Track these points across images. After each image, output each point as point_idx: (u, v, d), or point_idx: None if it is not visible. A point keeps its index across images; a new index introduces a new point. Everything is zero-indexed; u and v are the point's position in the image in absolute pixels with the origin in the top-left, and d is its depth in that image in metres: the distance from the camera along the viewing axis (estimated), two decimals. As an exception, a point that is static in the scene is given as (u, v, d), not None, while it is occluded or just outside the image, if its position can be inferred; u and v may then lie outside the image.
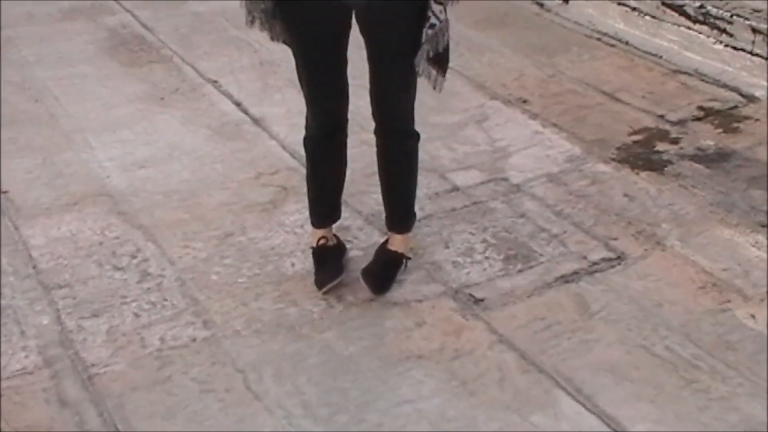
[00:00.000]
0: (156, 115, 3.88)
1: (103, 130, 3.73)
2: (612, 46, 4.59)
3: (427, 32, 2.33)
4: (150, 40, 4.69)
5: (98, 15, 4.98)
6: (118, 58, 4.47)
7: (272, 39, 2.48)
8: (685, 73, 4.26)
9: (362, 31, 2.42)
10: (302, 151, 2.73)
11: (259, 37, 4.61)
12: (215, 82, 4.19)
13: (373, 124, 2.58)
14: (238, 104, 3.97)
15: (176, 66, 4.38)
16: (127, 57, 4.48)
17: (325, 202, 2.75)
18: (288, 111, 3.75)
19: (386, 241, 2.75)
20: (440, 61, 2.39)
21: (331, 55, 2.45)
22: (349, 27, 2.43)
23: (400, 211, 2.73)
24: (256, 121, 3.81)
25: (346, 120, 2.62)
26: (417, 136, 2.62)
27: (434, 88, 2.41)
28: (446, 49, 2.39)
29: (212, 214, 3.12)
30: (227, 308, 2.62)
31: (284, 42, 2.47)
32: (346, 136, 2.66)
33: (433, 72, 2.39)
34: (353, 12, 2.38)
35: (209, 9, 5.03)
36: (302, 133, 2.65)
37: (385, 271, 2.70)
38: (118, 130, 3.74)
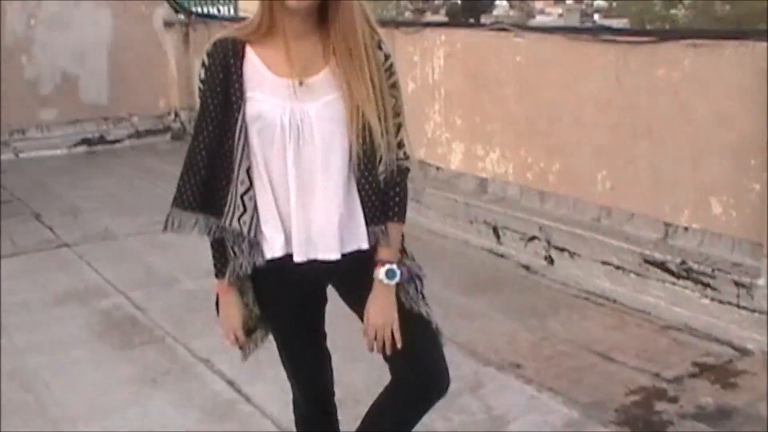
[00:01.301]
0: (148, 399, 3.83)
1: (93, 418, 3.66)
2: (600, 305, 4.65)
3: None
4: (142, 320, 4.73)
5: (92, 298, 5.05)
6: (110, 341, 4.48)
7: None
8: (676, 328, 4.29)
9: (346, 300, 2.40)
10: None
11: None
12: (207, 360, 4.18)
13: (368, 398, 2.51)
14: (231, 383, 3.93)
15: (168, 346, 4.38)
16: (119, 339, 4.50)
17: None
18: (282, 388, 3.66)
19: None
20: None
21: (309, 329, 2.45)
22: (326, 300, 2.43)
23: None
24: (249, 400, 3.76)
25: (333, 392, 2.58)
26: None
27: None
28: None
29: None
30: None
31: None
32: (336, 408, 2.61)
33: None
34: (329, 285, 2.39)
35: (201, 287, 5.10)
36: (297, 411, 2.61)
37: None
38: (110, 416, 3.68)
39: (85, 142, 9.38)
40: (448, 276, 5.10)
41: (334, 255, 2.23)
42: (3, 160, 8.79)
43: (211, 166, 2.21)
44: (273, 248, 2.24)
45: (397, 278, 2.26)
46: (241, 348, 2.45)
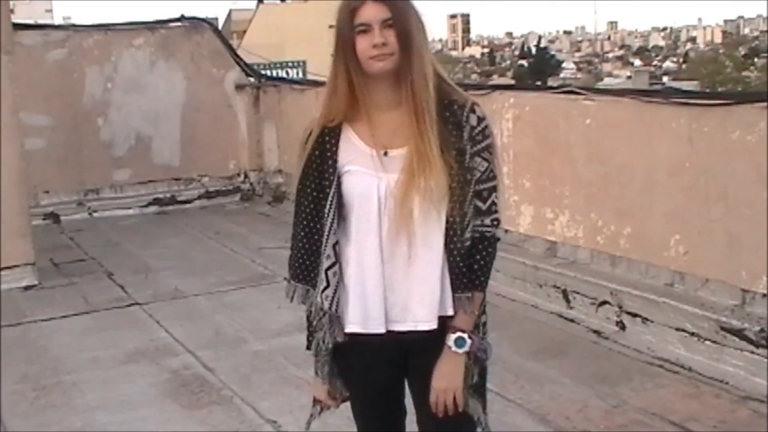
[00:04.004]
0: (214, 460, 3.82)
1: (160, 478, 3.67)
2: (675, 372, 4.52)
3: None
4: (211, 380, 4.74)
5: (161, 357, 5.09)
6: (179, 400, 4.50)
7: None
8: (756, 399, 4.13)
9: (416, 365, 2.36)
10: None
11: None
12: (274, 422, 4.16)
13: None
14: (297, 445, 3.91)
15: (236, 407, 4.38)
16: (187, 399, 4.51)
17: None
18: (348, 452, 3.66)
19: None
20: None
21: (389, 405, 2.43)
22: (406, 373, 2.39)
23: None
24: (315, 464, 3.72)
25: None
26: None
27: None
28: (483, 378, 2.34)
29: None
30: None
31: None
32: None
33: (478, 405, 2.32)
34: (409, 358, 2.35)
35: (269, 348, 5.13)
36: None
37: None
38: (176, 476, 3.68)
39: (157, 202, 9.57)
40: (518, 340, 5.02)
41: (432, 325, 2.24)
42: (78, 219, 9.02)
43: (309, 239, 2.29)
44: (354, 323, 2.27)
45: (466, 348, 2.24)
46: (321, 410, 2.48)
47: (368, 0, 2.14)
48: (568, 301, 5.49)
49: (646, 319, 4.92)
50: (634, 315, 5.00)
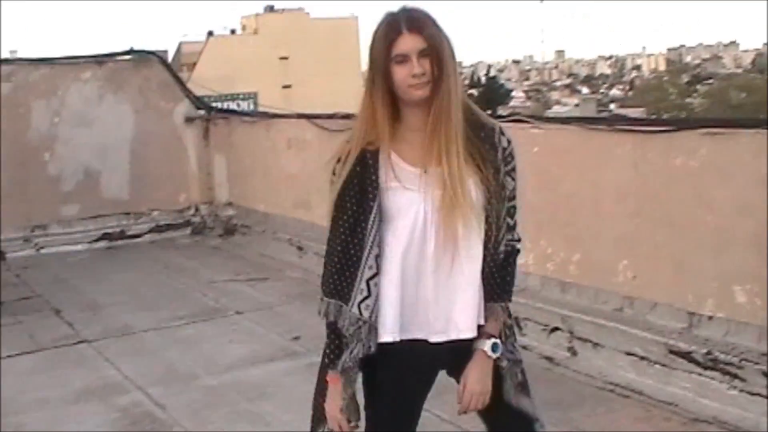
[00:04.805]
0: (165, 499, 3.75)
1: None
2: (626, 397, 4.56)
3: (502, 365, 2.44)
4: (162, 417, 4.67)
5: (110, 395, 5.00)
6: (128, 440, 4.42)
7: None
8: (704, 421, 4.18)
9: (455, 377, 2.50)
10: None
11: (271, 408, 4.62)
12: (226, 458, 4.11)
13: None
14: (249, 481, 3.86)
15: (187, 443, 4.32)
16: (137, 437, 4.44)
17: None
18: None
19: None
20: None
21: (411, 412, 2.50)
22: (432, 383, 2.50)
23: None
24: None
25: None
26: None
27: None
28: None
29: None
30: None
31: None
32: None
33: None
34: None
35: (221, 383, 5.08)
36: None
37: None
38: None
39: (106, 237, 9.44)
40: (470, 368, 5.02)
41: (474, 333, 2.40)
42: (25, 256, 8.86)
43: (345, 254, 2.38)
44: (392, 332, 2.35)
45: (499, 352, 2.41)
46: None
47: (405, 32, 2.28)
48: (519, 328, 5.51)
49: (597, 344, 4.97)
50: (585, 340, 5.05)
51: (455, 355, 2.41)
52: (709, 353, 4.37)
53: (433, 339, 2.38)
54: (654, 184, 4.80)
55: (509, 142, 2.40)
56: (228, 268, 7.92)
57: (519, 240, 2.45)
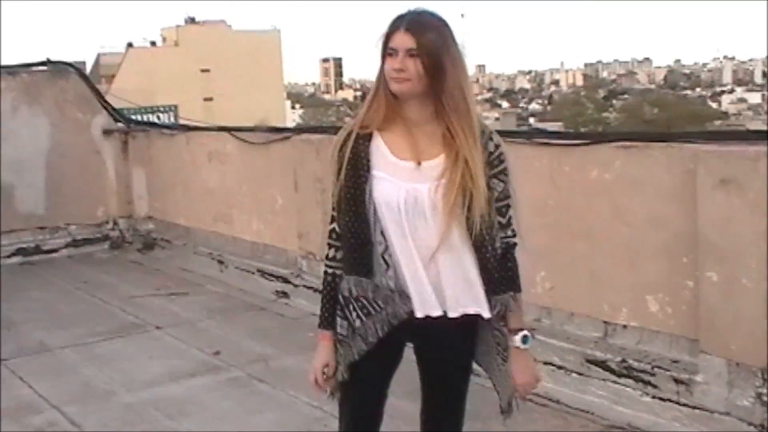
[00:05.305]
0: None
1: None
2: (544, 405, 4.64)
3: (500, 368, 2.68)
4: (78, 436, 4.57)
5: (24, 415, 4.86)
6: (43, 459, 4.32)
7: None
8: (619, 427, 4.29)
9: (419, 361, 2.74)
10: None
11: (191, 425, 4.56)
12: (145, 476, 4.04)
13: None
14: (169, 499, 3.80)
15: (105, 462, 4.24)
16: (53, 457, 4.34)
17: None
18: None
19: None
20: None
21: (380, 389, 2.77)
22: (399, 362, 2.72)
23: None
24: None
25: None
26: None
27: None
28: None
29: None
30: None
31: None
32: None
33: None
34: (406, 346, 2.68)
35: (140, 400, 4.99)
36: None
37: None
38: None
39: (21, 252, 9.19)
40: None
41: (477, 310, 2.56)
42: (-66, 272, 8.58)
43: (354, 231, 2.53)
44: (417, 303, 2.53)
45: (530, 343, 2.64)
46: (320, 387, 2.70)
47: (401, 29, 2.46)
48: (441, 339, 5.56)
49: (516, 354, 5.03)
50: (505, 351, 5.11)
51: (428, 332, 2.58)
52: (623, 361, 4.48)
53: (419, 314, 2.53)
54: (571, 196, 4.90)
55: (497, 146, 2.57)
56: (147, 283, 7.79)
57: (514, 235, 2.61)
